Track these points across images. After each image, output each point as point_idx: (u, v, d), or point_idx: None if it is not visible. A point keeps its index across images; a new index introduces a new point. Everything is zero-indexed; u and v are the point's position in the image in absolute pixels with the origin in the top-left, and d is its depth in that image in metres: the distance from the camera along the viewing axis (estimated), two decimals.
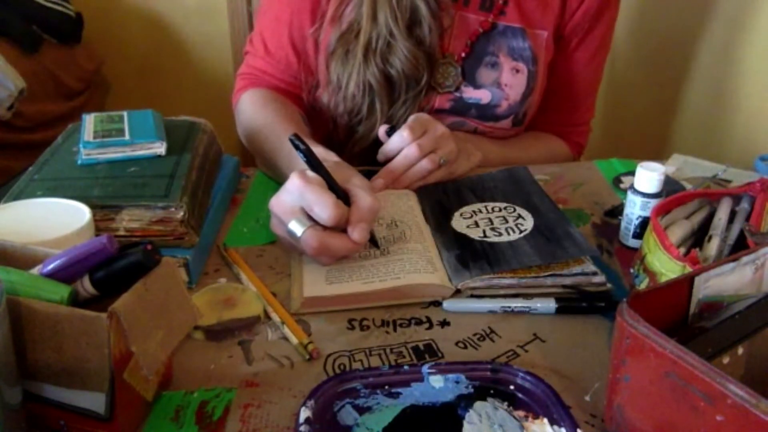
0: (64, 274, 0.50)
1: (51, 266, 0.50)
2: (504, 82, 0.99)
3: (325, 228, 0.68)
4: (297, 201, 0.68)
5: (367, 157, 0.95)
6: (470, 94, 0.99)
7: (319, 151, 0.77)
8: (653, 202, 0.75)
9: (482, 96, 1.00)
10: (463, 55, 0.99)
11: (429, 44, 0.94)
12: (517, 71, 0.99)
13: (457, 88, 0.99)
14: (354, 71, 0.93)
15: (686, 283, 0.55)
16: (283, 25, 0.99)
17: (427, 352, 0.62)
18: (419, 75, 0.94)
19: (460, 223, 0.78)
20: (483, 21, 0.98)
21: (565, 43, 1.04)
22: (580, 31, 1.03)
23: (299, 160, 0.72)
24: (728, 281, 0.57)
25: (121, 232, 0.68)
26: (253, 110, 0.98)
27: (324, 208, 0.66)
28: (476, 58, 0.99)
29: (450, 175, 0.88)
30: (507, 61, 0.99)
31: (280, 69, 1.01)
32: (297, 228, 0.67)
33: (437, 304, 0.68)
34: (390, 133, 0.87)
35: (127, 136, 0.76)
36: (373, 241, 0.72)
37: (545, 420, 0.53)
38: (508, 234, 0.74)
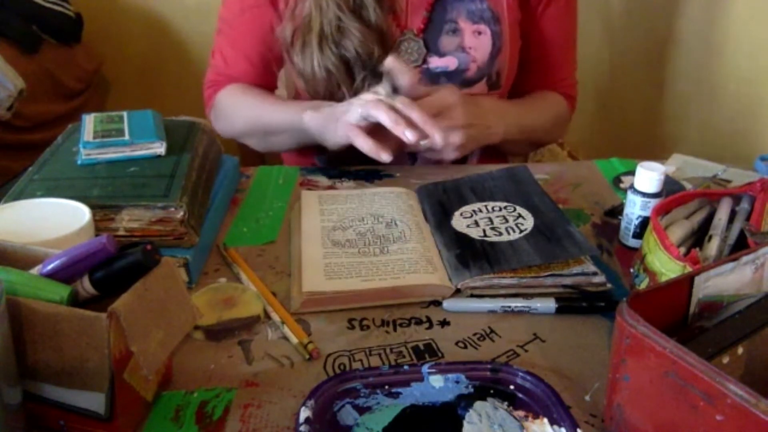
0: (63, 274, 0.50)
1: (51, 266, 0.50)
2: (468, 46, 1.01)
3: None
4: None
5: (354, 149, 0.97)
6: (436, 63, 1.01)
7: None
8: (653, 202, 0.75)
9: (448, 63, 1.01)
10: (422, 26, 1.00)
11: (377, 22, 0.97)
12: (480, 33, 1.01)
13: (424, 61, 1.01)
14: (314, 60, 0.96)
15: (686, 282, 0.55)
16: (238, 43, 1.06)
17: (427, 352, 0.62)
18: (371, 51, 0.96)
19: (460, 222, 0.78)
20: None
21: (535, 3, 1.05)
22: None
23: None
24: (728, 281, 0.57)
25: (121, 232, 0.68)
26: (235, 98, 1.05)
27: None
28: (436, 27, 1.01)
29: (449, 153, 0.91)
30: (467, 26, 1.01)
31: (241, 76, 1.07)
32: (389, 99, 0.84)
33: (437, 303, 0.68)
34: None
35: (126, 137, 0.76)
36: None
37: (545, 420, 0.53)
38: (509, 233, 0.74)
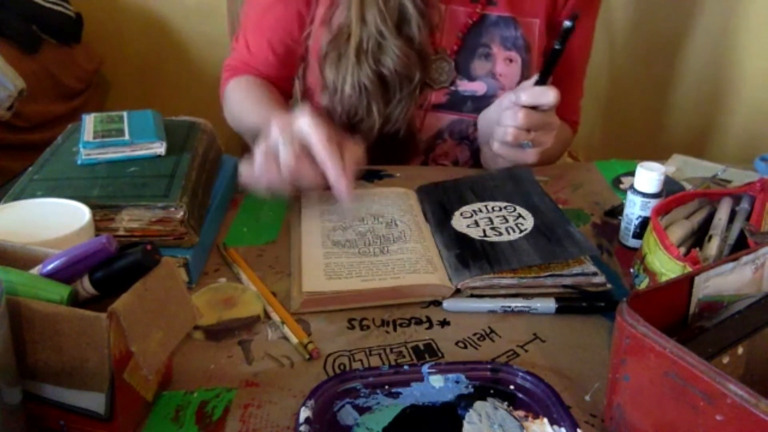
0: (64, 274, 0.50)
1: (51, 266, 0.50)
2: (498, 72, 1.00)
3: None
4: (299, 130, 0.74)
5: (368, 156, 0.96)
6: (465, 86, 1.00)
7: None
8: (653, 202, 0.75)
9: (477, 88, 1.00)
10: (455, 48, 0.99)
11: (419, 41, 0.95)
12: (511, 61, 1.00)
13: (452, 83, 1.00)
14: (348, 74, 0.93)
15: (686, 282, 0.55)
16: (265, 31, 1.03)
17: (427, 352, 0.62)
18: (412, 73, 0.95)
19: (460, 222, 0.78)
20: (471, 12, 0.98)
21: None
22: (581, 16, 1.03)
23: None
24: (728, 281, 0.57)
25: (121, 232, 0.68)
26: (239, 93, 1.03)
27: (321, 142, 0.73)
28: (469, 50, 0.99)
29: (516, 160, 0.88)
30: (500, 52, 0.99)
31: (261, 65, 1.05)
32: (285, 143, 0.73)
33: (437, 303, 0.68)
34: (539, 80, 0.86)
35: (126, 137, 0.76)
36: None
37: (545, 420, 0.53)
38: (509, 233, 0.74)
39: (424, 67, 0.96)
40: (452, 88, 1.00)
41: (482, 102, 1.00)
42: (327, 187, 0.85)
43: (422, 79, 0.96)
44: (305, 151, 0.73)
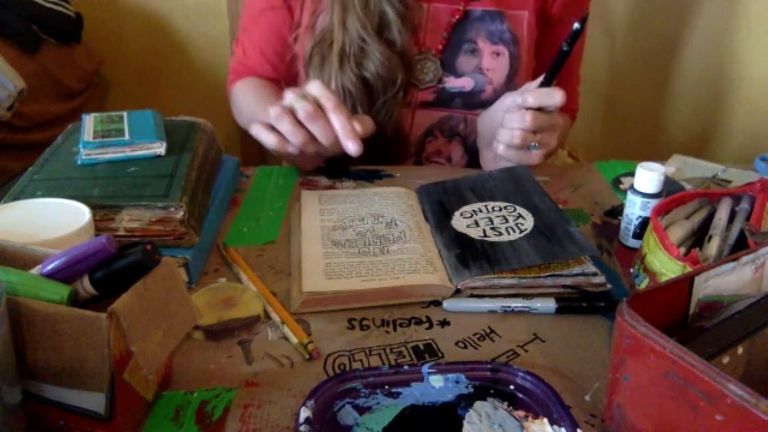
0: (63, 274, 0.50)
1: (51, 266, 0.50)
2: (485, 67, 0.99)
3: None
4: (310, 91, 0.80)
5: (355, 159, 0.97)
6: (452, 83, 1.00)
7: None
8: (653, 202, 0.75)
9: (465, 84, 1.00)
10: (440, 47, 0.99)
11: (401, 45, 0.95)
12: (498, 54, 0.99)
13: (439, 81, 1.00)
14: (331, 78, 0.94)
15: (686, 282, 0.55)
16: (257, 38, 1.05)
17: (427, 352, 0.62)
18: (395, 75, 0.95)
19: (460, 222, 0.78)
20: (454, 9, 0.98)
21: (557, 22, 1.04)
22: (572, 8, 1.03)
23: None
24: (728, 281, 0.57)
25: (121, 232, 0.68)
26: (245, 94, 1.05)
27: (332, 100, 0.79)
28: (454, 47, 0.99)
29: (520, 163, 0.88)
30: (486, 46, 0.99)
31: (258, 68, 1.07)
32: (300, 99, 0.78)
33: (437, 303, 0.68)
34: (545, 80, 0.85)
35: (126, 137, 0.76)
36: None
37: (545, 420, 0.53)
38: (509, 233, 0.74)
39: (407, 68, 0.96)
40: (439, 86, 1.00)
41: (470, 98, 1.01)
42: (328, 186, 0.85)
43: (406, 81, 0.97)
44: (319, 108, 0.79)
